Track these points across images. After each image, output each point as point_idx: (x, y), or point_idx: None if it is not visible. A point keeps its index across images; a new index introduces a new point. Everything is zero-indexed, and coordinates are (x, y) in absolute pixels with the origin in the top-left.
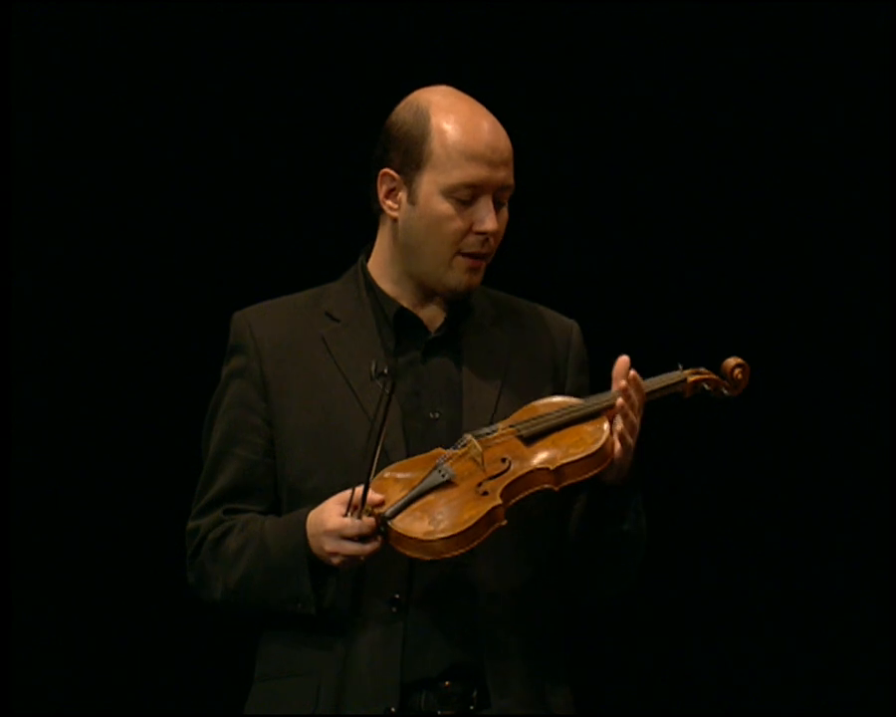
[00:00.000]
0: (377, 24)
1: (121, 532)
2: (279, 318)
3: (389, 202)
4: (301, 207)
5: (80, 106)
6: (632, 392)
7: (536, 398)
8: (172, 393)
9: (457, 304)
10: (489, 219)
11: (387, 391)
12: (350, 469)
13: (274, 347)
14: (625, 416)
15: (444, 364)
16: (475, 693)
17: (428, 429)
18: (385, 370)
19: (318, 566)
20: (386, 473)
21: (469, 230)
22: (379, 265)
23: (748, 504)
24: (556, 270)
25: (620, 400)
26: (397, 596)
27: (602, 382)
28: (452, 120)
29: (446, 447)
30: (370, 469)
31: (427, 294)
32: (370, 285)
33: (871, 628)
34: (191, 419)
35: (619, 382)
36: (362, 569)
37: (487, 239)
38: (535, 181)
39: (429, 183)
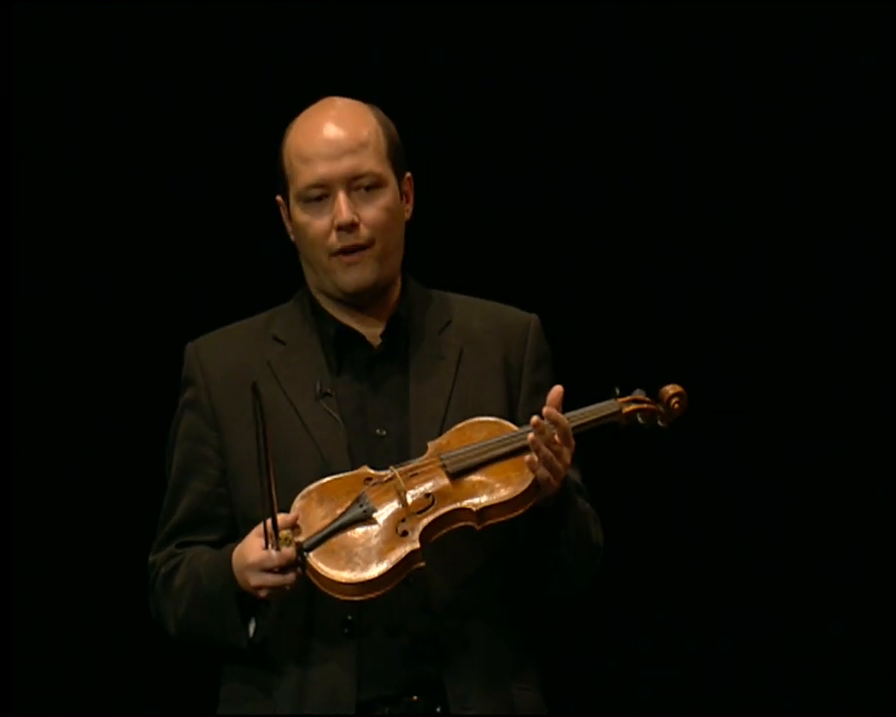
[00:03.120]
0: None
1: (122, 538)
2: (229, 345)
3: (288, 227)
4: (259, 227)
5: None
6: (545, 428)
7: (486, 402)
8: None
9: (396, 316)
10: (342, 211)
11: (259, 404)
12: (299, 492)
13: (223, 376)
14: (538, 450)
15: (390, 380)
16: (438, 709)
17: (375, 447)
18: (254, 388)
19: (246, 600)
20: (312, 492)
21: (331, 228)
22: (313, 286)
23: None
24: (530, 271)
25: (531, 436)
26: (350, 617)
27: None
28: (296, 130)
29: (395, 463)
30: (270, 496)
31: (358, 307)
32: (314, 305)
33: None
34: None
35: (533, 418)
36: (311, 594)
37: (350, 231)
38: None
39: (291, 198)
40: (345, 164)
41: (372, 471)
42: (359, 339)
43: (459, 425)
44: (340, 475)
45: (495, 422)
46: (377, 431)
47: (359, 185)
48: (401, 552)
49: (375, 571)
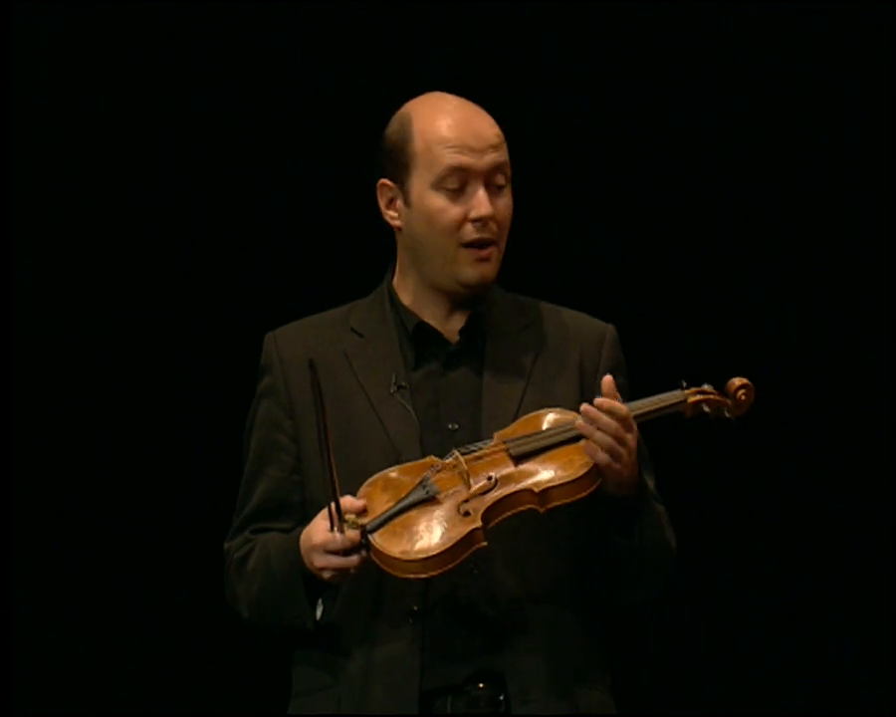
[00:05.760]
0: (403, 46)
1: (148, 538)
2: (306, 336)
3: (390, 212)
4: (341, 223)
5: (88, 122)
6: (597, 417)
7: (558, 404)
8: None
9: (476, 314)
10: (482, 204)
11: (316, 381)
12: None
13: (299, 365)
14: (590, 435)
15: (465, 376)
16: (502, 697)
17: (447, 441)
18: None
19: (312, 582)
20: (378, 480)
21: (465, 219)
22: (399, 279)
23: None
24: (601, 275)
25: (578, 422)
26: (415, 607)
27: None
28: (431, 118)
29: (442, 457)
30: (332, 478)
31: (447, 304)
32: (394, 300)
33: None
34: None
35: (582, 405)
36: (380, 582)
37: (485, 225)
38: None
39: (419, 181)
40: (489, 158)
41: (438, 460)
42: (437, 335)
43: (525, 416)
44: (406, 464)
45: (559, 411)
46: (450, 426)
47: (494, 182)
48: (463, 529)
49: (437, 548)
